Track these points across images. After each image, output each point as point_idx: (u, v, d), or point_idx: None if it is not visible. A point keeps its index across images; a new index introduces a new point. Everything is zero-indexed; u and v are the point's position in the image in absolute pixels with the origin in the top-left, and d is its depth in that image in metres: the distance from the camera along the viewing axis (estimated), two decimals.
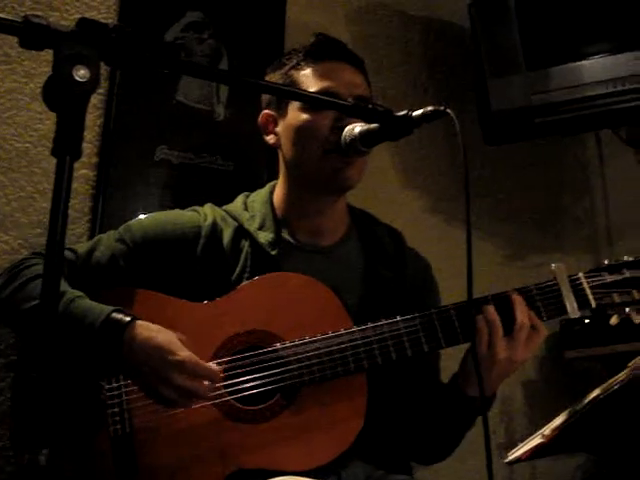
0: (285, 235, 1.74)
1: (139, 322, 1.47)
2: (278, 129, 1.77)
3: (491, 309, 1.56)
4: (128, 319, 1.46)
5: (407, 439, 1.74)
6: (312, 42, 1.78)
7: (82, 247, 1.68)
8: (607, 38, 2.57)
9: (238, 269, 1.66)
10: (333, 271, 1.72)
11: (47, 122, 2.04)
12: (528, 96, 2.54)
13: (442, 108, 1.38)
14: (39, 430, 0.89)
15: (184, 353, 1.43)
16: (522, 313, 1.56)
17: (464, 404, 1.61)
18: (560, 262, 1.65)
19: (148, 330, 1.46)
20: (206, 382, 1.44)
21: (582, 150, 3.17)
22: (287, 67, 1.77)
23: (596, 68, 2.53)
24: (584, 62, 2.54)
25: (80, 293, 1.53)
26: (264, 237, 1.70)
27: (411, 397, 1.72)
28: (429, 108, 1.40)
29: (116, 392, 1.54)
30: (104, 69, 2.14)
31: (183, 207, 1.80)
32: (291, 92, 1.60)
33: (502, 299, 1.58)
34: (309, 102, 1.67)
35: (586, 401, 1.54)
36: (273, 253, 1.68)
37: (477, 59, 2.63)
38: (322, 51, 1.75)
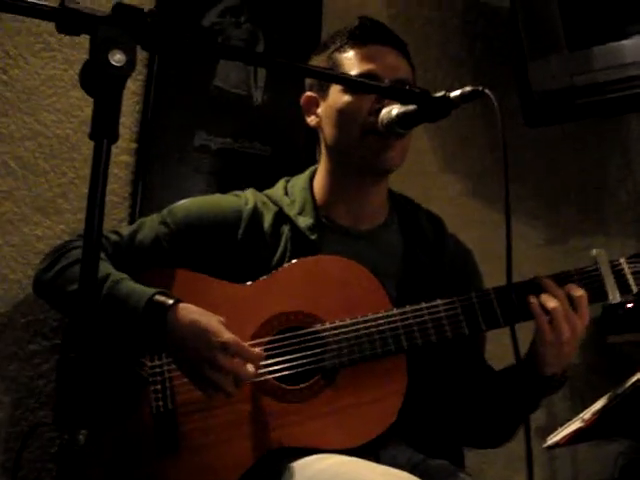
0: (325, 220, 1.75)
1: (182, 305, 1.49)
2: (319, 110, 1.78)
3: (548, 299, 1.55)
4: (171, 302, 1.48)
5: (459, 424, 1.74)
6: (356, 25, 1.78)
7: (126, 229, 1.72)
8: None
9: (279, 254, 1.67)
10: (372, 255, 1.71)
11: (87, 109, 2.06)
12: (570, 77, 2.49)
13: (480, 88, 1.37)
14: (78, 410, 0.91)
15: (227, 335, 1.44)
16: (552, 287, 1.56)
17: (541, 385, 1.61)
18: (604, 246, 1.64)
19: (191, 313, 1.48)
20: (249, 365, 1.46)
21: (625, 132, 3.11)
22: (331, 50, 1.77)
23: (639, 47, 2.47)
24: (627, 41, 2.47)
25: (124, 275, 1.56)
26: (304, 222, 1.70)
27: (459, 379, 1.72)
28: (467, 88, 1.39)
29: (158, 369, 1.57)
30: (143, 55, 2.17)
31: (222, 192, 1.81)
32: (327, 75, 1.60)
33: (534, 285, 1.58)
34: (345, 84, 1.67)
35: (627, 385, 1.53)
36: (313, 238, 1.69)
37: (517, 39, 2.59)
38: (366, 34, 1.75)
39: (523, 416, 1.65)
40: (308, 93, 1.81)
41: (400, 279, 1.72)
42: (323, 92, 1.76)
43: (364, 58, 1.71)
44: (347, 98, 1.69)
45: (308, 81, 1.83)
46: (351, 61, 1.72)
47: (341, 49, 1.75)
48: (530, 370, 1.59)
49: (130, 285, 1.53)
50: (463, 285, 1.75)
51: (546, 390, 1.64)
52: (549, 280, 1.58)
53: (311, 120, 1.81)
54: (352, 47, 1.74)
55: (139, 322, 1.48)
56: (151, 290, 1.51)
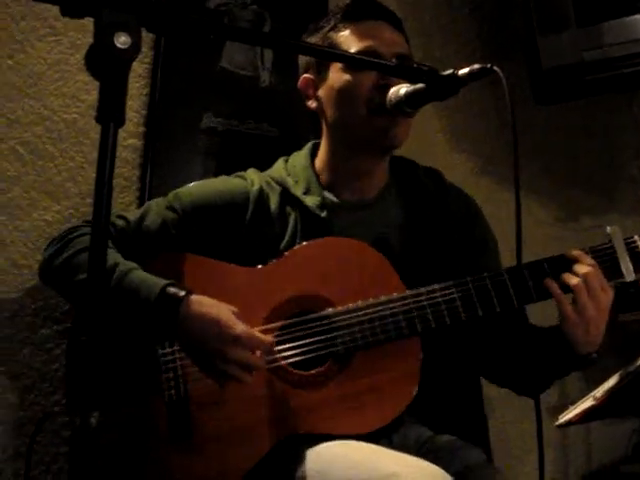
0: (329, 196, 1.74)
1: (194, 297, 1.48)
2: (319, 93, 1.75)
3: (568, 276, 1.53)
4: (183, 293, 1.47)
5: (493, 368, 1.74)
6: (349, 2, 1.77)
7: (132, 214, 1.70)
8: None
9: (288, 235, 1.67)
10: (377, 223, 1.71)
11: (94, 92, 2.05)
12: (580, 53, 2.46)
13: (489, 66, 1.36)
14: (90, 393, 0.91)
15: (240, 327, 1.45)
16: (585, 266, 1.53)
17: (574, 361, 1.59)
18: (614, 223, 1.62)
19: (203, 305, 1.47)
20: (258, 352, 1.46)
21: (636, 108, 3.08)
22: (325, 29, 1.75)
23: None
24: (637, 16, 2.44)
25: (133, 265, 1.55)
26: (311, 201, 1.69)
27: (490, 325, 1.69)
28: (476, 66, 1.38)
29: (170, 357, 1.56)
30: (149, 38, 2.16)
31: (230, 174, 1.80)
32: (335, 54, 1.60)
33: (559, 261, 1.56)
34: (353, 63, 1.65)
35: (638, 363, 1.52)
36: (323, 215, 1.68)
37: (526, 15, 2.56)
38: (360, 11, 1.74)
39: (553, 378, 1.66)
40: (305, 75, 1.78)
41: (406, 240, 1.71)
42: (321, 74, 1.74)
43: (361, 35, 1.69)
44: (348, 76, 1.67)
45: (304, 63, 1.80)
46: (348, 39, 1.70)
47: (336, 28, 1.73)
48: (565, 350, 1.57)
49: (140, 276, 1.52)
50: (469, 232, 1.76)
51: (579, 367, 1.62)
52: (579, 252, 1.56)
53: (311, 103, 1.78)
54: (347, 25, 1.72)
55: (151, 315, 1.47)
56: (162, 282, 1.50)
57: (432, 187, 1.80)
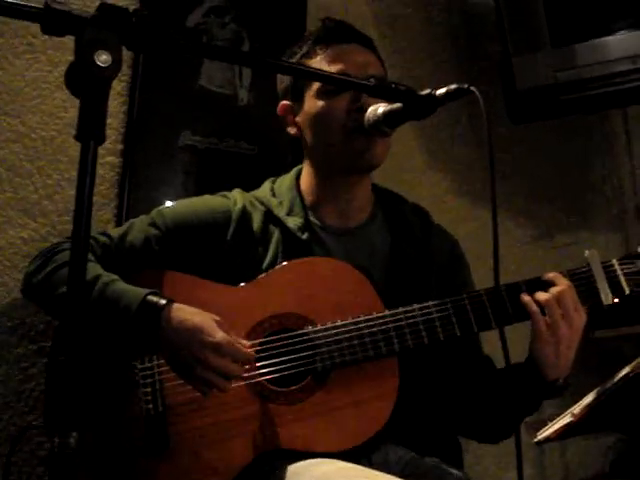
0: (313, 219, 1.75)
1: (175, 305, 1.49)
2: (298, 119, 1.77)
3: (541, 293, 1.55)
4: (164, 302, 1.48)
5: (456, 417, 1.74)
6: (319, 27, 1.78)
7: (115, 231, 1.71)
8: (633, 13, 2.52)
9: (270, 255, 1.67)
10: (360, 251, 1.72)
11: (71, 110, 2.05)
12: (554, 73, 2.51)
13: (466, 86, 1.37)
14: (69, 413, 0.90)
15: (220, 335, 1.45)
16: (559, 286, 1.55)
17: (544, 388, 1.59)
18: (587, 241, 1.64)
19: (184, 312, 1.48)
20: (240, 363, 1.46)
21: (609, 128, 3.13)
22: (297, 56, 1.76)
23: (623, 44, 2.48)
24: (610, 38, 2.49)
25: (115, 276, 1.56)
26: (293, 222, 1.70)
27: (455, 372, 1.71)
28: (452, 86, 1.39)
29: (149, 372, 1.56)
30: (128, 56, 2.16)
31: (208, 192, 1.81)
32: (313, 73, 1.59)
33: (535, 282, 1.58)
34: (331, 83, 1.66)
35: (616, 379, 1.53)
36: (304, 237, 1.69)
37: (501, 36, 2.60)
38: (330, 35, 1.75)
39: (521, 417, 1.66)
40: (284, 102, 1.80)
41: (388, 273, 1.72)
42: (298, 100, 1.76)
43: (332, 60, 1.71)
44: (321, 103, 1.69)
45: (282, 89, 1.81)
46: (319, 65, 1.71)
47: (308, 54, 1.75)
48: (532, 375, 1.58)
49: (122, 286, 1.53)
50: (450, 276, 1.77)
51: (547, 396, 1.62)
52: (556, 274, 1.58)
53: (291, 130, 1.80)
54: (318, 50, 1.73)
55: (132, 323, 1.47)
56: (143, 290, 1.50)
57: (417, 225, 1.81)
